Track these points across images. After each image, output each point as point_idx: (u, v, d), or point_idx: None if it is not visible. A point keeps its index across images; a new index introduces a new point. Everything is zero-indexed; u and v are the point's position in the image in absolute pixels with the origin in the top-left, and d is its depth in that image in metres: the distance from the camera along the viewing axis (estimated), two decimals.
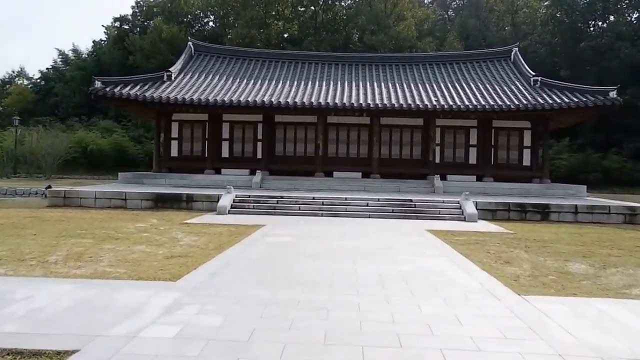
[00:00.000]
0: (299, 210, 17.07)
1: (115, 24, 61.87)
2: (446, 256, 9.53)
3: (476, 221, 16.21)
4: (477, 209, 16.70)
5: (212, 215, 16.39)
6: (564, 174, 35.75)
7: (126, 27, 60.95)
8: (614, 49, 40.86)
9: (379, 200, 17.77)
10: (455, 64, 28.06)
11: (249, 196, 18.05)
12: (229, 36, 50.36)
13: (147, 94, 23.14)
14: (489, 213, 17.27)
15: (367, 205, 17.37)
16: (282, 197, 17.89)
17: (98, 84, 23.31)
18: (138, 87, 23.99)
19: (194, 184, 23.60)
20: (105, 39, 63.27)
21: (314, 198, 17.84)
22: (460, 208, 17.17)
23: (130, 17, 61.83)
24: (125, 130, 45.74)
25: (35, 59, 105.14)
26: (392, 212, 16.92)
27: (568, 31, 43.32)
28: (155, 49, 47.48)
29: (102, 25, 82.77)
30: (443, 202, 17.66)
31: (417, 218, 16.53)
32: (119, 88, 23.40)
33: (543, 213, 17.38)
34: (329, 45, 46.84)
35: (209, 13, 58.95)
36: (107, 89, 23.13)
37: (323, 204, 17.42)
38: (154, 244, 10.32)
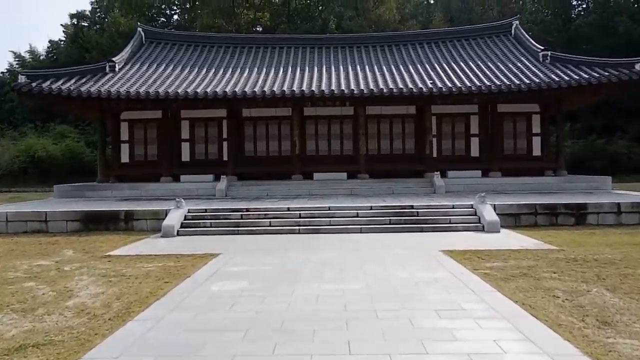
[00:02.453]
0: (270, 226, 13.20)
1: (73, 21, 57.34)
2: (501, 315, 5.72)
3: (499, 231, 12.53)
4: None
5: (154, 238, 12.45)
6: (567, 162, 32.53)
7: (85, 23, 56.35)
8: (611, 24, 37.73)
9: (371, 208, 13.98)
10: (448, 42, 24.38)
11: (206, 210, 14.11)
12: (196, 30, 46.26)
13: (82, 89, 19.00)
14: (510, 218, 13.61)
15: (357, 216, 13.56)
16: (248, 210, 13.99)
17: (22, 79, 19.11)
18: (73, 80, 19.83)
19: (147, 195, 19.58)
20: (63, 38, 58.83)
21: (288, 209, 13.98)
22: (475, 214, 13.47)
23: (89, 13, 57.34)
24: (84, 135, 41.26)
25: None
26: (390, 224, 13.14)
27: (561, 7, 40.09)
28: (112, 44, 43.03)
29: (61, 25, 77.76)
30: (453, 208, 13.95)
31: (421, 230, 12.78)
32: (48, 83, 19.23)
33: (578, 215, 13.78)
34: (305, 33, 42.95)
35: (172, 5, 54.61)
36: (34, 85, 18.94)
37: (300, 217, 13.57)
38: (24, 308, 6.40)
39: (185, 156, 22.42)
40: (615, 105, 35.41)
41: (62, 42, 58.60)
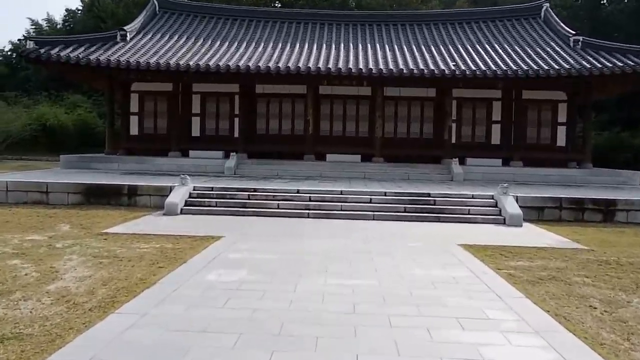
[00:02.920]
0: (278, 209, 12.53)
1: None
2: (533, 329, 4.99)
3: (521, 225, 11.73)
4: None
5: (156, 216, 11.86)
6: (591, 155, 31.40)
7: None
8: None
9: (385, 194, 13.23)
10: (473, 23, 23.22)
11: (212, 189, 13.47)
12: (213, 2, 45.17)
13: (91, 57, 18.33)
14: (533, 212, 12.78)
15: (370, 202, 12.83)
16: (255, 191, 13.32)
17: (30, 45, 18.49)
18: (83, 48, 19.14)
19: (154, 169, 19.01)
20: (81, 7, 58.13)
21: (298, 191, 13.28)
22: (496, 206, 12.66)
23: None
24: (97, 106, 40.78)
25: (7, 30, 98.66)
26: (404, 212, 12.40)
27: None
28: (128, 14, 42.15)
29: None
30: (472, 197, 13.14)
31: (438, 220, 12.04)
32: (57, 50, 18.57)
33: (606, 212, 12.89)
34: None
35: None
36: (42, 51, 18.30)
37: (310, 200, 12.88)
38: (0, 290, 5.81)
39: (196, 131, 21.78)
40: (638, 97, 34.02)
41: (79, 11, 57.99)
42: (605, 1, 39.34)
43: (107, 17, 45.23)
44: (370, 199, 12.93)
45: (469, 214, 12.40)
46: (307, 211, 12.30)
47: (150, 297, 5.65)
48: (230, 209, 12.48)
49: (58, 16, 79.25)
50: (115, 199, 13.50)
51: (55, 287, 6.04)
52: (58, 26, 57.96)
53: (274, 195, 13.05)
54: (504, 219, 12.01)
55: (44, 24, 58.88)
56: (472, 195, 13.23)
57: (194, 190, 13.25)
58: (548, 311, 5.49)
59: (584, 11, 39.33)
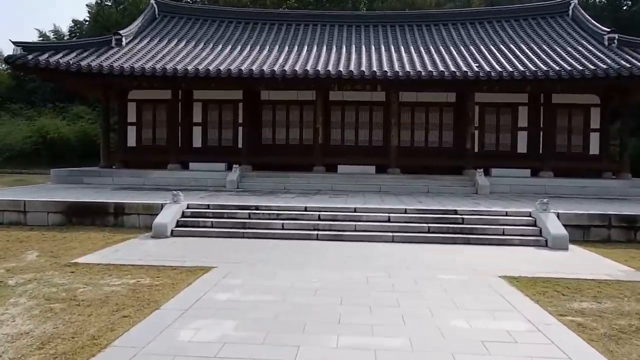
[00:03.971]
0: (282, 229, 10.90)
1: (97, 0, 55.89)
2: None
3: (567, 248, 9.99)
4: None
5: (142, 239, 10.30)
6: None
7: (108, 3, 54.89)
8: None
9: (405, 211, 11.55)
10: (495, 22, 21.56)
11: (208, 206, 11.88)
12: (219, 4, 44.01)
13: (82, 63, 16.95)
14: (577, 231, 11.01)
15: (389, 221, 11.15)
16: (257, 209, 11.71)
17: (18, 50, 17.15)
18: (74, 54, 17.80)
19: (150, 183, 17.54)
20: (88, 18, 57.51)
21: (306, 209, 11.64)
22: (535, 225, 10.91)
23: None
24: (101, 116, 39.56)
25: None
26: (428, 233, 10.71)
27: None
28: (132, 23, 41.17)
29: (86, 5, 76.73)
30: (506, 215, 11.40)
31: (468, 242, 10.33)
32: (46, 56, 17.22)
33: None
34: None
35: None
36: (30, 57, 16.96)
37: (320, 219, 11.24)
38: None
39: (197, 142, 20.29)
40: None
41: (86, 22, 57.36)
42: (630, 1, 37.47)
43: (112, 26, 44.16)
44: (389, 217, 11.25)
45: (503, 234, 10.67)
46: (315, 232, 10.66)
47: None
48: (228, 230, 10.88)
49: (65, 27, 78.92)
50: (100, 219, 11.98)
51: None
52: (65, 37, 57.25)
53: (278, 214, 11.42)
54: (546, 241, 10.27)
55: (51, 35, 58.25)
56: (506, 212, 11.49)
57: (187, 208, 11.67)
58: None
59: (608, 11, 37.55)
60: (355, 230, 10.80)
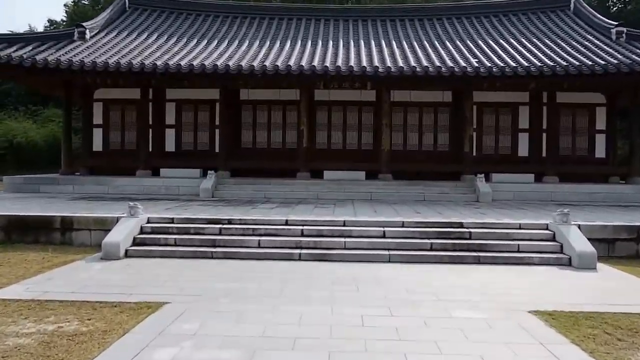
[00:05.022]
0: (258, 247, 9.20)
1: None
2: None
3: (595, 267, 8.44)
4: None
5: (89, 262, 8.53)
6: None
7: (85, 2, 52.85)
8: None
9: (403, 224, 9.92)
10: (492, 17, 20.16)
11: (172, 220, 10.13)
12: None
13: (39, 57, 15.12)
14: (601, 246, 9.47)
15: (384, 236, 9.51)
16: (230, 222, 10.00)
17: None
18: (29, 48, 15.98)
19: (115, 192, 15.74)
20: (65, 17, 55.39)
21: (287, 222, 9.96)
22: (554, 239, 9.35)
23: None
24: (74, 119, 37.45)
25: None
26: (431, 251, 9.09)
27: None
28: None
29: (64, 5, 74.49)
30: (519, 228, 9.83)
31: (478, 261, 8.73)
32: None
33: None
34: None
35: None
36: None
37: (303, 235, 9.56)
38: None
39: (170, 145, 18.54)
40: None
41: (63, 22, 55.23)
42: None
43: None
44: (384, 231, 9.61)
45: (518, 251, 9.09)
46: (298, 251, 8.97)
47: None
48: (194, 249, 9.16)
49: (41, 28, 76.41)
50: (45, 236, 10.18)
51: None
52: None
53: (254, 229, 9.72)
54: (569, 259, 8.71)
55: None
56: (519, 224, 9.91)
57: (147, 222, 9.92)
58: None
59: (613, 3, 36.77)
60: (345, 248, 9.14)
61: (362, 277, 7.64)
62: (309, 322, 5.49)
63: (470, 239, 9.46)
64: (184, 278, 7.46)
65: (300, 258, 8.82)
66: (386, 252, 8.92)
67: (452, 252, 9.02)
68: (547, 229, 9.68)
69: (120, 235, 9.09)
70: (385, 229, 9.70)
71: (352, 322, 5.51)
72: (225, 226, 9.84)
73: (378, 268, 8.27)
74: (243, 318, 5.63)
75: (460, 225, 9.88)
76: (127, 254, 8.98)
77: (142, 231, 9.68)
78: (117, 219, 9.85)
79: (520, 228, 9.83)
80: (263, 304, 6.18)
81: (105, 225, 9.89)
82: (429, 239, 9.38)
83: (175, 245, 9.34)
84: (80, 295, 6.49)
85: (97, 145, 18.60)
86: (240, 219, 10.11)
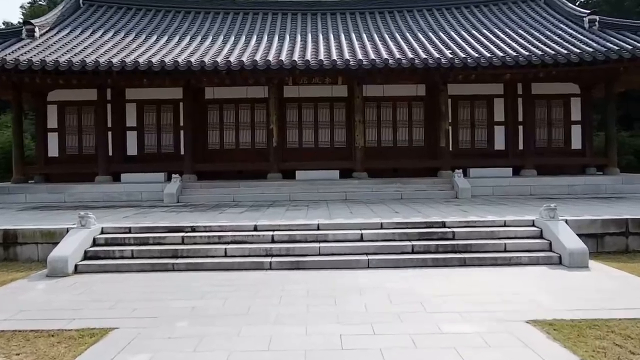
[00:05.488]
0: (225, 257, 8.37)
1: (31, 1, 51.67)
2: None
3: (587, 265, 7.90)
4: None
5: (31, 280, 7.59)
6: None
7: (42, 2, 50.76)
8: None
9: (381, 226, 9.23)
10: (464, 8, 19.71)
11: (129, 230, 9.20)
12: None
13: None
14: (590, 241, 8.96)
15: (362, 240, 8.79)
16: (194, 230, 9.14)
17: None
18: None
19: (71, 200, 14.66)
20: (21, 19, 53.11)
21: (256, 228, 9.16)
22: (541, 236, 8.80)
23: None
24: (33, 125, 35.68)
25: None
26: (412, 253, 8.41)
27: None
28: None
29: (20, 7, 71.73)
30: (505, 226, 9.24)
31: (463, 264, 8.09)
32: None
33: None
34: None
35: None
36: None
37: (273, 241, 8.77)
38: None
39: (131, 149, 17.45)
40: (632, 94, 31.23)
41: (20, 24, 53.05)
42: None
43: None
44: (361, 234, 8.89)
45: (505, 250, 8.49)
46: (268, 259, 8.18)
47: None
48: (153, 260, 8.27)
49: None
50: None
51: None
52: None
53: (220, 237, 8.88)
54: (560, 257, 8.15)
55: None
56: (504, 221, 9.32)
57: (101, 233, 8.98)
58: None
59: None
60: (320, 254, 8.39)
61: (339, 286, 6.91)
62: (280, 347, 4.71)
63: (453, 239, 8.81)
64: (139, 296, 6.59)
65: (271, 267, 8.03)
66: (365, 257, 8.20)
67: (436, 254, 8.36)
68: (533, 225, 9.12)
69: (69, 248, 8.13)
70: (363, 231, 8.97)
71: (329, 345, 4.76)
72: (188, 234, 8.97)
73: (357, 275, 7.55)
74: (203, 345, 4.82)
75: (443, 224, 9.23)
76: (77, 270, 8.04)
77: (94, 243, 8.74)
78: (67, 230, 8.88)
79: (505, 225, 9.23)
80: (227, 325, 5.37)
81: (54, 238, 8.91)
82: (410, 240, 8.70)
83: (132, 257, 8.43)
84: (12, 324, 5.58)
85: (53, 150, 17.40)
86: (205, 226, 9.25)
